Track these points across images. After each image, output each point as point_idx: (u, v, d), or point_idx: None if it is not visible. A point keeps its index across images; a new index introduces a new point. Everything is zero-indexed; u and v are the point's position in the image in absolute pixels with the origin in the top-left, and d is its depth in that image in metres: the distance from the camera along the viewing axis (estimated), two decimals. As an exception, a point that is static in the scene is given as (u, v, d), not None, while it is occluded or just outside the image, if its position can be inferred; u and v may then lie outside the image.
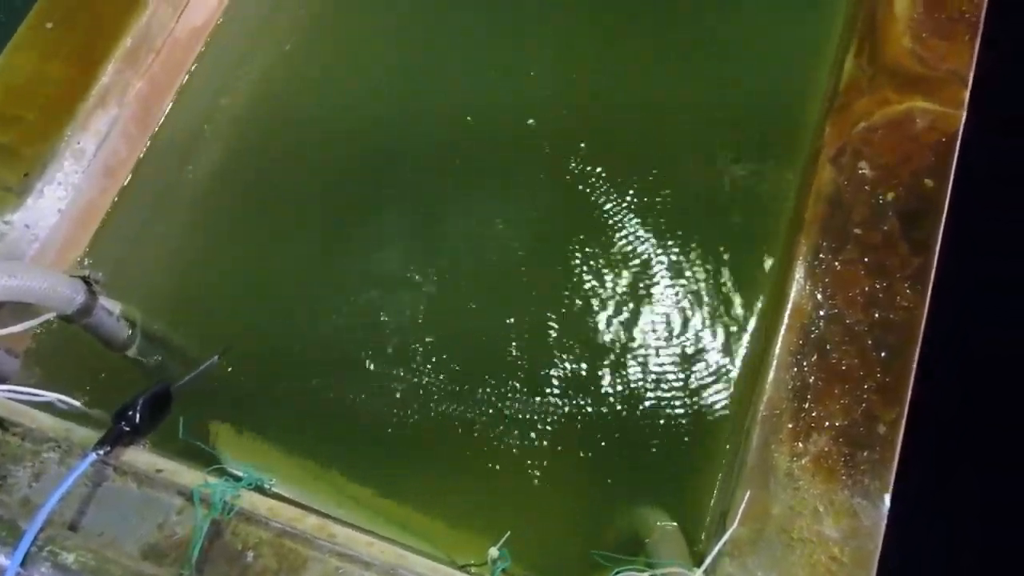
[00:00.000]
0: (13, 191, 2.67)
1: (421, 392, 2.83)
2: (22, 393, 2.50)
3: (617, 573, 2.02)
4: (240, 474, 2.36)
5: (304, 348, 2.98)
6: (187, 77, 3.24)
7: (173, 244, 3.15)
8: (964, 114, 2.55)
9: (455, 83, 3.34)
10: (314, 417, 2.88)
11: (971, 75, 2.60)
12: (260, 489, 2.40)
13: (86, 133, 2.80)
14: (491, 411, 2.78)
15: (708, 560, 2.10)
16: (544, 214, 3.06)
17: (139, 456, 2.36)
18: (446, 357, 2.87)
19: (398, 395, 2.83)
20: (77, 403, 2.61)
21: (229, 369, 2.88)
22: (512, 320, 2.88)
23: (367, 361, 2.89)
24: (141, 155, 3.11)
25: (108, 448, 2.28)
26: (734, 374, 2.70)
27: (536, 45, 3.38)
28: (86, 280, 2.62)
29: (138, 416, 2.39)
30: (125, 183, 3.08)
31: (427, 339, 2.90)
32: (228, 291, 3.12)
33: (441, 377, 2.84)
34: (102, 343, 2.82)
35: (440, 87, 3.34)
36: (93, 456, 2.25)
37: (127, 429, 2.36)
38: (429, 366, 2.86)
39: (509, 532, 2.40)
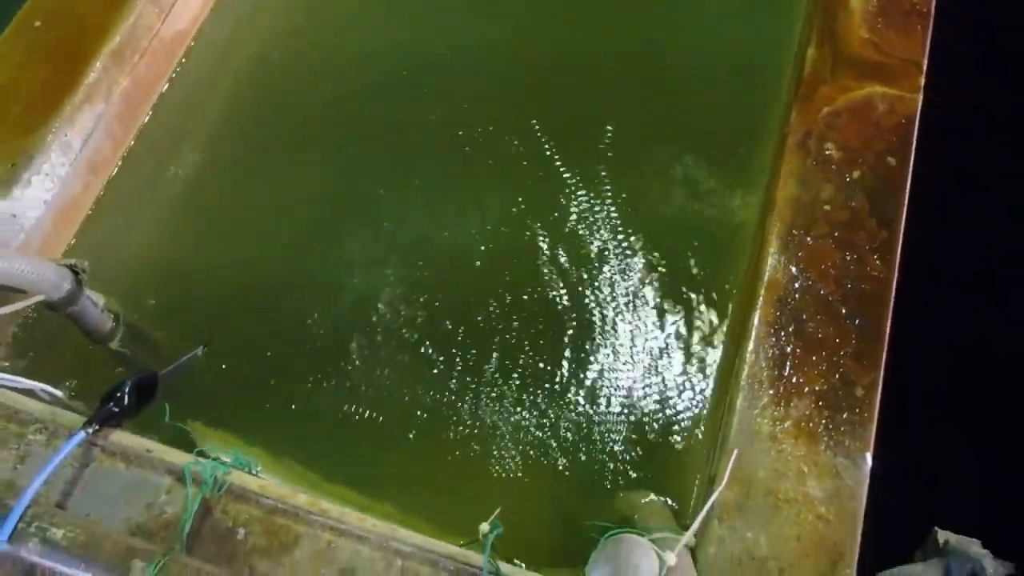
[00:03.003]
0: (1, 181, 2.51)
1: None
2: (4, 380, 2.31)
3: (611, 534, 1.90)
4: (227, 458, 2.20)
5: (285, 344, 2.83)
6: (171, 77, 3.10)
7: (155, 241, 2.99)
8: (921, 97, 2.52)
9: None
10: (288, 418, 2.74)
11: (925, 61, 2.56)
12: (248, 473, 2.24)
13: (73, 128, 2.65)
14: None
15: (696, 522, 1.98)
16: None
17: (127, 438, 2.19)
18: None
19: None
20: (59, 393, 2.42)
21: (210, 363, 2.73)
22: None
23: (345, 360, 2.76)
24: (125, 153, 2.95)
25: (97, 427, 2.11)
26: (714, 350, 2.61)
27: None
28: (73, 268, 2.45)
29: (126, 398, 2.22)
30: (108, 179, 2.92)
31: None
32: (206, 288, 2.96)
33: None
34: (86, 333, 2.64)
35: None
36: (82, 434, 2.08)
37: (116, 410, 2.19)
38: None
39: (500, 508, 2.27)
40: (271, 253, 2.99)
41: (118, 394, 2.22)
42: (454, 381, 2.70)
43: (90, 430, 2.10)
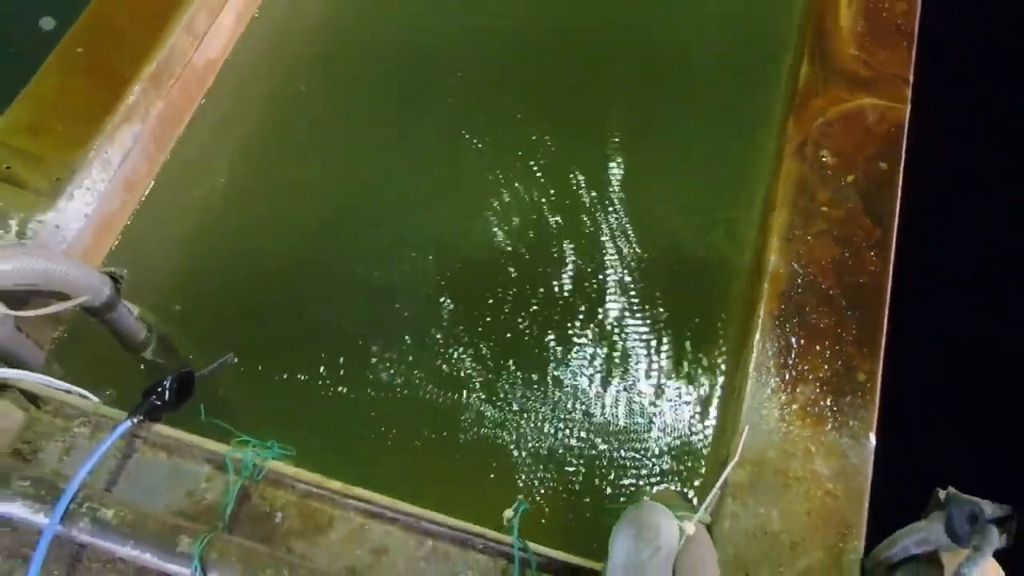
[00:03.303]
0: (45, 194, 2.64)
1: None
2: (46, 382, 2.41)
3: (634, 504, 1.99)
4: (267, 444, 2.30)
5: (311, 350, 2.95)
6: (200, 102, 3.26)
7: (184, 258, 3.12)
8: (908, 107, 2.67)
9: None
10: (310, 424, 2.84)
11: (911, 74, 2.73)
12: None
13: (113, 145, 2.79)
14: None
15: (712, 494, 2.08)
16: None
17: (167, 430, 2.29)
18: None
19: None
20: (95, 399, 2.53)
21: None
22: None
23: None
24: (158, 172, 3.09)
25: (140, 418, 2.22)
26: (723, 342, 2.73)
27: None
28: (112, 276, 2.58)
29: (167, 393, 2.33)
30: (142, 197, 3.06)
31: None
32: (231, 299, 3.09)
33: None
34: (121, 341, 2.76)
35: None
36: (128, 423, 2.18)
37: (158, 403, 2.29)
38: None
39: (521, 496, 2.37)
40: (297, 267, 3.13)
41: (159, 389, 2.32)
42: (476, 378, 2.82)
43: (135, 420, 2.20)
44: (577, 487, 2.64)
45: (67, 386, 2.44)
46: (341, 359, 2.91)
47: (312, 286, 3.09)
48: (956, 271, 2.93)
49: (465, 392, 2.82)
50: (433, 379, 2.85)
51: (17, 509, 2.01)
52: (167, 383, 2.35)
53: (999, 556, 1.69)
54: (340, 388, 2.87)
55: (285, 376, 2.91)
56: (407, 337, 2.92)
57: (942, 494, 1.75)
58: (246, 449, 2.19)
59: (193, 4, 3.04)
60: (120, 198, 2.93)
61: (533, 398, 2.79)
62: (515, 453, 2.70)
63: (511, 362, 2.85)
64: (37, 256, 2.29)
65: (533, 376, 2.83)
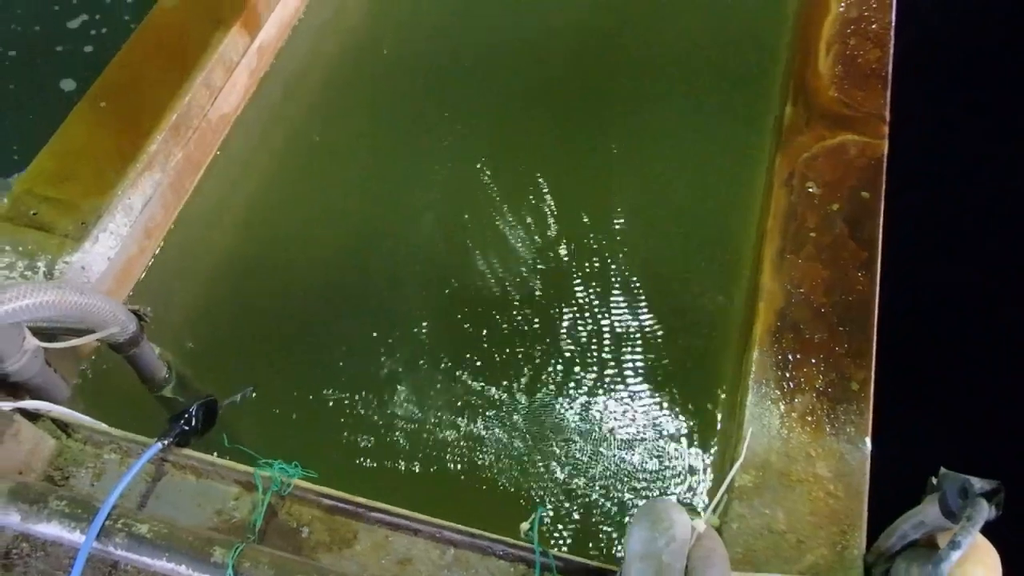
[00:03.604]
0: (71, 237, 2.78)
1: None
2: (78, 420, 2.52)
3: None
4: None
5: (318, 394, 3.07)
6: (215, 154, 3.44)
7: (200, 302, 3.26)
8: (886, 142, 2.88)
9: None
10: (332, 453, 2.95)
11: (888, 113, 2.95)
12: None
13: (135, 191, 2.94)
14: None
15: (721, 492, 2.20)
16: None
17: (194, 454, 2.39)
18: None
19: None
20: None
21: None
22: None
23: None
24: (174, 220, 3.25)
25: (171, 439, 2.33)
26: (722, 360, 2.88)
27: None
28: (137, 313, 2.70)
29: (194, 419, 2.45)
30: (159, 244, 3.20)
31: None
32: (249, 343, 3.22)
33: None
34: (142, 378, 2.85)
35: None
36: (159, 444, 2.29)
37: (186, 428, 2.41)
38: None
39: (539, 506, 2.47)
40: (310, 310, 3.27)
41: (186, 415, 2.44)
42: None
43: (165, 442, 2.31)
44: (592, 501, 2.75)
45: (94, 423, 2.55)
46: (363, 394, 3.02)
47: (327, 327, 3.22)
48: (938, 285, 3.14)
49: (486, 420, 2.93)
50: (454, 407, 2.96)
51: (54, 528, 2.09)
52: (192, 410, 2.48)
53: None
54: (362, 419, 2.97)
55: (306, 414, 3.01)
56: (431, 369, 3.06)
57: (935, 480, 1.88)
58: (273, 467, 2.30)
59: (211, 61, 3.24)
60: (140, 244, 3.07)
61: (551, 422, 2.91)
62: (530, 469, 2.82)
63: (524, 382, 3.00)
64: (72, 290, 2.42)
65: (547, 398, 2.96)
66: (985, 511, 1.72)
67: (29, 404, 2.39)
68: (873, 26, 3.18)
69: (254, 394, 2.92)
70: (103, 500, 2.10)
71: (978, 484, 1.75)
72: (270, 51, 3.75)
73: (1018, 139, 3.59)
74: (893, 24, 3.18)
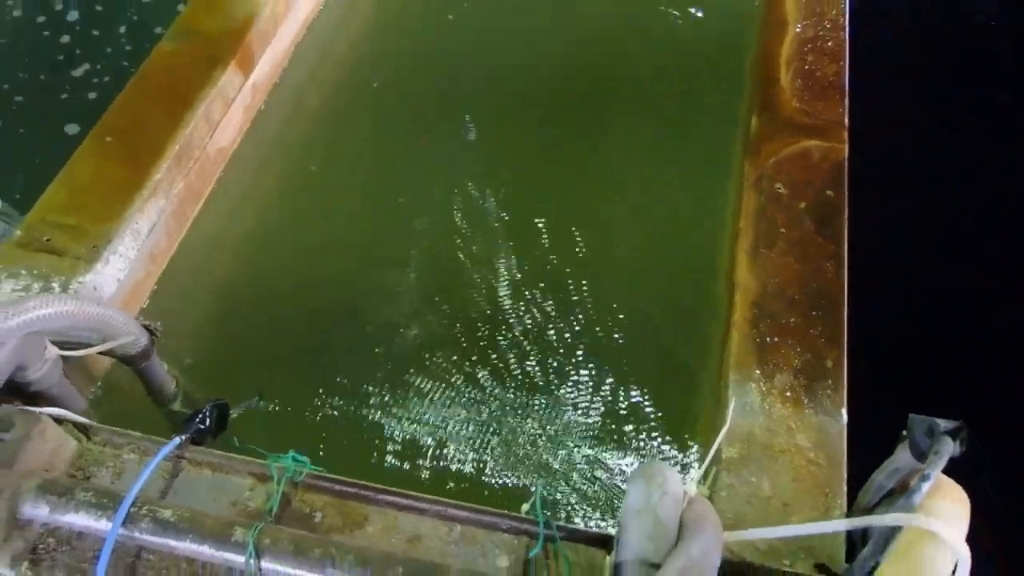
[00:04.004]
0: (83, 259, 2.94)
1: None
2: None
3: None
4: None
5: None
6: (213, 187, 3.63)
7: (203, 322, 3.43)
8: (847, 146, 3.13)
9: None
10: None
11: (847, 120, 3.20)
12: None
13: (142, 217, 3.12)
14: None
15: (705, 464, 2.37)
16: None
17: (209, 450, 2.53)
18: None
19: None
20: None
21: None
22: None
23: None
24: (176, 246, 3.43)
25: (188, 435, 2.47)
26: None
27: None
28: (149, 329, 2.86)
29: (208, 418, 2.59)
30: (163, 269, 3.37)
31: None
32: (251, 361, 3.39)
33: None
34: (151, 391, 3.00)
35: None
36: (179, 439, 2.43)
37: (202, 427, 2.55)
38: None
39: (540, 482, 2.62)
40: (309, 332, 3.44)
41: (201, 414, 2.59)
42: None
43: (183, 437, 2.45)
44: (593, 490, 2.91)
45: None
46: (363, 407, 3.18)
47: (326, 345, 3.39)
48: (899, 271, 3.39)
49: (495, 438, 3.10)
50: (460, 421, 3.13)
51: (81, 519, 2.22)
52: (207, 410, 2.62)
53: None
54: (361, 428, 3.13)
55: (306, 424, 3.16)
56: (428, 380, 3.23)
57: (905, 431, 2.06)
58: (286, 457, 2.44)
59: (210, 95, 3.45)
60: (146, 267, 3.24)
61: (550, 410, 3.10)
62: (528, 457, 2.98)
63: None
64: (90, 302, 2.58)
65: (548, 385, 3.17)
66: (950, 446, 1.90)
67: (52, 411, 2.53)
68: (828, 43, 3.46)
69: (262, 403, 3.06)
70: (128, 487, 2.24)
71: (943, 423, 1.93)
72: (263, 89, 3.97)
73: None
74: (847, 41, 3.46)
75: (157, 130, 3.31)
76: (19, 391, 2.55)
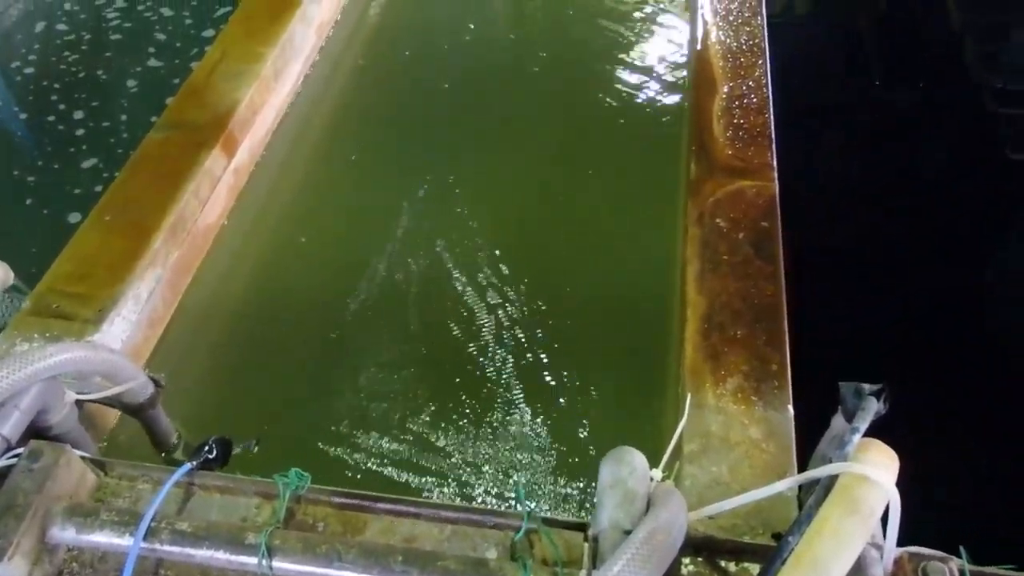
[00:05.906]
0: (91, 321, 3.27)
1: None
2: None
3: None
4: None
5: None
6: (203, 261, 4.00)
7: (199, 384, 3.73)
8: (776, 184, 3.58)
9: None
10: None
11: (775, 163, 3.67)
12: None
13: (142, 283, 3.46)
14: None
15: (667, 456, 2.68)
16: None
17: (218, 475, 2.82)
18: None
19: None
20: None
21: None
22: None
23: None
24: (171, 315, 3.76)
25: (198, 462, 2.76)
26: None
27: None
28: (153, 379, 3.16)
29: (214, 449, 2.88)
30: (159, 337, 3.70)
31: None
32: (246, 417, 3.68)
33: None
34: (155, 440, 3.27)
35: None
36: (188, 466, 2.72)
37: (210, 456, 2.84)
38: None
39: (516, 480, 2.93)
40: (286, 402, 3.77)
41: (208, 446, 2.88)
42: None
43: (194, 463, 2.74)
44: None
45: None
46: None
47: (314, 397, 3.70)
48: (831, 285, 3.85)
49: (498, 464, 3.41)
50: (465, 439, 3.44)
51: (105, 536, 2.48)
52: (211, 442, 2.91)
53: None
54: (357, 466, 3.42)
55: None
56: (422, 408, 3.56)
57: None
58: (290, 474, 2.73)
59: (198, 175, 3.85)
60: (144, 333, 3.56)
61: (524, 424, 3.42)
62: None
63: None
64: (103, 348, 2.90)
65: (520, 398, 3.51)
66: (875, 404, 2.24)
67: (74, 453, 2.80)
68: (753, 99, 3.98)
69: (256, 448, 3.34)
70: (148, 504, 2.52)
71: (867, 386, 2.28)
72: (245, 171, 4.39)
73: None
74: (770, 97, 3.98)
75: (153, 205, 3.68)
76: (39, 436, 2.83)
